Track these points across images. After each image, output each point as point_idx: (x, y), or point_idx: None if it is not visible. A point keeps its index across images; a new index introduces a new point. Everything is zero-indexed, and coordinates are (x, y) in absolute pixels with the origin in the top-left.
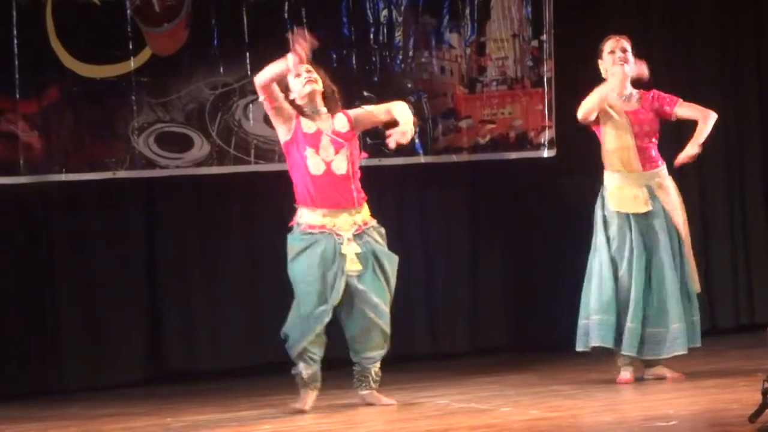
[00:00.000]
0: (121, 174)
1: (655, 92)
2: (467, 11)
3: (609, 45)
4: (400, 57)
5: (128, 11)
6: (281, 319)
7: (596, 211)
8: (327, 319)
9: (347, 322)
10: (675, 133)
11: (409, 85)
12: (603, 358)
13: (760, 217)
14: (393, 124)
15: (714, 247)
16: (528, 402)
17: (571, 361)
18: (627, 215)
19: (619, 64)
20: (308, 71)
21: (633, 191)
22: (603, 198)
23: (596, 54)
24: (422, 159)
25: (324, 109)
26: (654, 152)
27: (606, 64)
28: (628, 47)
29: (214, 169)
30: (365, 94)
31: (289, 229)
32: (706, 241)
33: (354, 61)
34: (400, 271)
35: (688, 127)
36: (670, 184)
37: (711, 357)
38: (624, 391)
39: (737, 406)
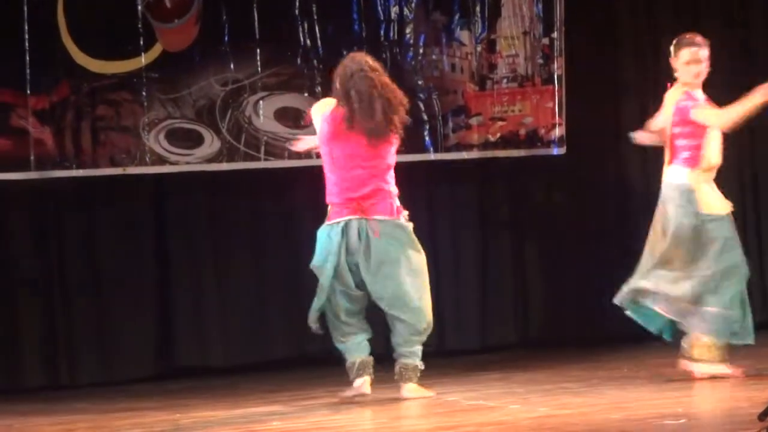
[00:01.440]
0: (132, 170)
1: None
2: (478, 8)
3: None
4: (411, 54)
5: (139, 7)
6: (290, 315)
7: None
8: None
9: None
10: None
11: (420, 82)
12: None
13: None
14: None
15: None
16: (537, 399)
17: (579, 359)
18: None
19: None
20: None
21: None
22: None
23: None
24: (432, 156)
25: None
26: None
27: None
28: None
29: (224, 166)
30: None
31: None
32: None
33: None
34: None
35: None
36: None
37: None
38: (633, 389)
39: (747, 404)
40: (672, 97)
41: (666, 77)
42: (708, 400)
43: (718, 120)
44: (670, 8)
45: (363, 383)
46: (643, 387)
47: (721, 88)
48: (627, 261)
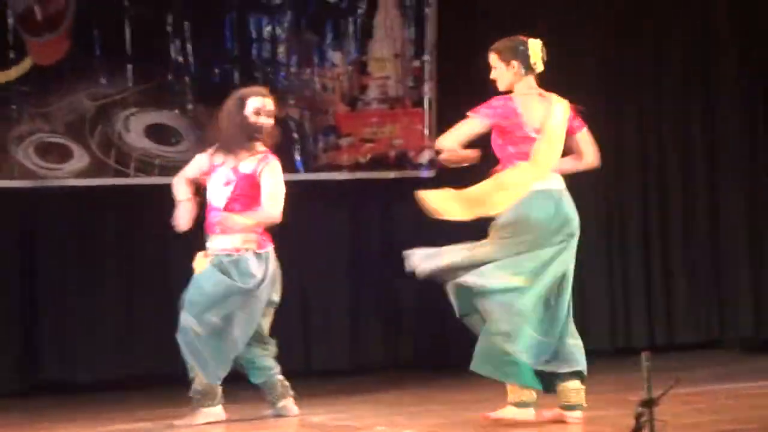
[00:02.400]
0: (0, 183)
1: None
2: (350, 29)
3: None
4: (283, 73)
5: (10, 20)
6: (157, 331)
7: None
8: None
9: None
10: None
11: (291, 102)
12: None
13: (638, 239)
14: None
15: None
16: (403, 421)
17: (444, 381)
18: None
19: None
20: None
21: None
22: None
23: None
24: (302, 176)
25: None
26: None
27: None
28: None
29: (94, 181)
30: None
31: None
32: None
33: (237, 76)
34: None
35: None
36: None
37: (587, 380)
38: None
39: (611, 430)
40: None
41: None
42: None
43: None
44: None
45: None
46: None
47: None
48: None
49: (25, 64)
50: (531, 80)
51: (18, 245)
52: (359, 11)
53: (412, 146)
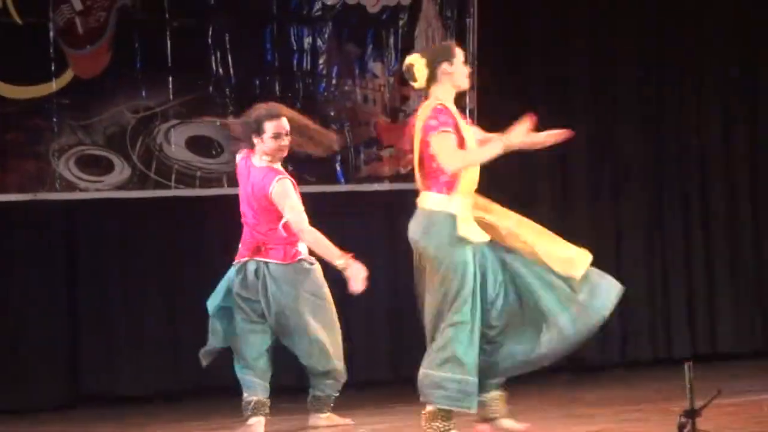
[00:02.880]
0: (42, 196)
1: None
2: (391, 40)
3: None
4: (324, 84)
5: (51, 32)
6: (200, 342)
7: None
8: None
9: None
10: None
11: (332, 113)
12: None
13: (678, 248)
14: None
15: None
16: None
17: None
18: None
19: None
20: None
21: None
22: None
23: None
24: (343, 187)
25: None
26: None
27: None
28: None
29: (135, 193)
30: None
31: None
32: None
33: (277, 88)
34: None
35: None
36: None
37: (628, 390)
38: (541, 423)
39: None
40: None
41: (579, 110)
42: None
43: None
44: (585, 43)
45: (257, 422)
46: (554, 420)
47: None
48: None
49: (67, 77)
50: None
51: (60, 258)
52: (400, 22)
53: None
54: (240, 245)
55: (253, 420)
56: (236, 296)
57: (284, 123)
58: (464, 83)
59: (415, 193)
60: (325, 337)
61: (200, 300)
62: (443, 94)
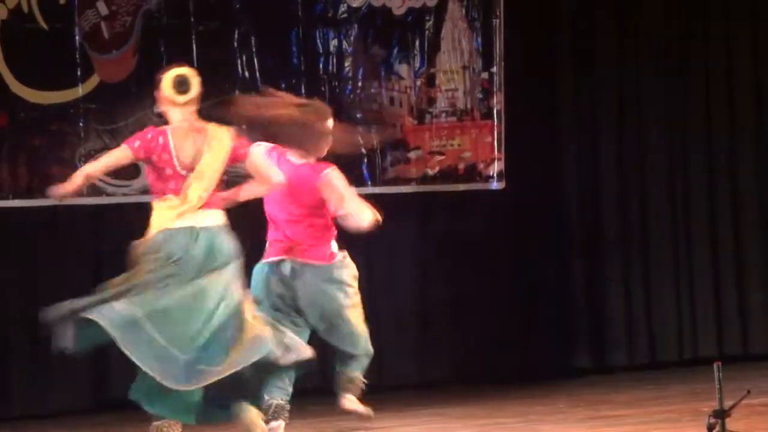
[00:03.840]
0: (68, 201)
1: None
2: (417, 42)
3: None
4: (350, 87)
5: (77, 37)
6: None
7: None
8: None
9: None
10: None
11: (359, 116)
12: None
13: (706, 248)
14: None
15: (659, 280)
16: None
17: (516, 394)
18: None
19: None
20: None
21: None
22: None
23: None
24: (370, 189)
25: None
26: None
27: None
28: None
29: None
30: None
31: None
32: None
33: (303, 91)
34: None
35: None
36: None
37: (657, 391)
38: (569, 425)
39: None
40: None
41: (605, 111)
42: None
43: None
44: (613, 43)
45: (278, 427)
46: (582, 422)
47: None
48: (565, 294)
49: (93, 82)
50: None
51: (86, 262)
52: (426, 24)
53: (481, 158)
54: (268, 245)
55: (273, 424)
56: (276, 297)
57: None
58: None
59: (443, 195)
60: (361, 322)
61: None
62: None
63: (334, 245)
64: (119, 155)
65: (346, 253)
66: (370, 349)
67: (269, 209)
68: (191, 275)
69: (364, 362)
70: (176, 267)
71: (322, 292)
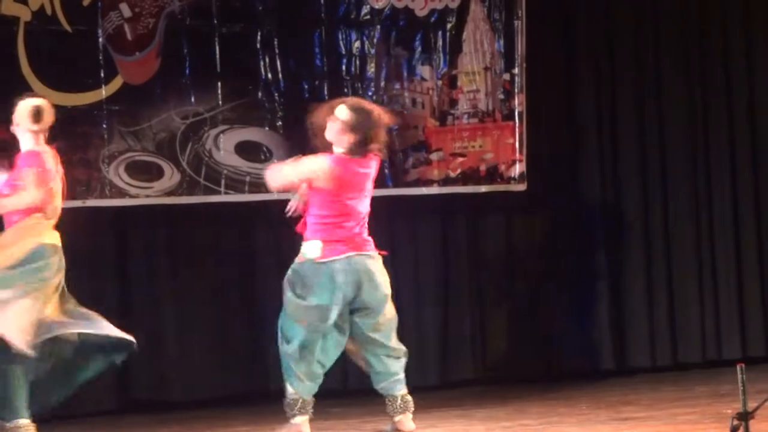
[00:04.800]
0: (92, 202)
1: None
2: (439, 44)
3: None
4: (372, 89)
5: (100, 39)
6: (247, 347)
7: None
8: None
9: None
10: None
11: None
12: None
13: (730, 249)
14: None
15: (682, 281)
16: None
17: (538, 395)
18: None
19: None
20: None
21: None
22: None
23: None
24: (392, 191)
25: None
26: None
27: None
28: None
29: (184, 199)
30: None
31: None
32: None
33: (326, 92)
34: None
35: None
36: None
37: (680, 393)
38: (592, 426)
39: None
40: None
41: (626, 111)
42: None
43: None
44: (631, 46)
45: (303, 422)
46: (605, 424)
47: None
48: (587, 296)
49: (116, 84)
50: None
51: (110, 264)
52: (448, 25)
53: (503, 160)
54: (335, 243)
55: (299, 419)
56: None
57: None
58: None
59: (465, 197)
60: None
61: (248, 305)
62: None
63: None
64: None
65: None
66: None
67: (343, 207)
68: None
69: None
70: None
71: (379, 283)
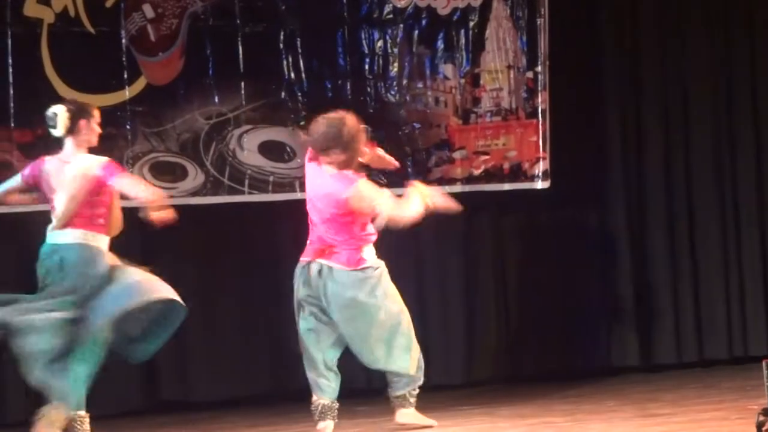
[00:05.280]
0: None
1: None
2: (462, 42)
3: None
4: (395, 88)
5: (123, 40)
6: (273, 348)
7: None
8: None
9: None
10: None
11: (404, 116)
12: None
13: (755, 245)
14: None
15: (708, 277)
16: None
17: (563, 393)
18: None
19: None
20: None
21: None
22: None
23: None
24: None
25: None
26: None
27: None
28: None
29: (208, 199)
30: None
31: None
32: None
33: (349, 91)
34: None
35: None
36: None
37: (705, 389)
38: (618, 423)
39: None
40: None
41: (650, 108)
42: None
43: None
44: (655, 43)
45: (326, 427)
46: (630, 421)
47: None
48: (611, 294)
49: (140, 84)
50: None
51: (134, 264)
52: (471, 23)
53: (526, 158)
54: (308, 246)
55: (321, 425)
56: (303, 298)
57: None
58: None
59: (488, 195)
60: (387, 337)
61: (274, 305)
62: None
63: (366, 253)
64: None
65: (381, 264)
66: (401, 370)
67: (309, 210)
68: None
69: (402, 381)
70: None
71: (342, 296)
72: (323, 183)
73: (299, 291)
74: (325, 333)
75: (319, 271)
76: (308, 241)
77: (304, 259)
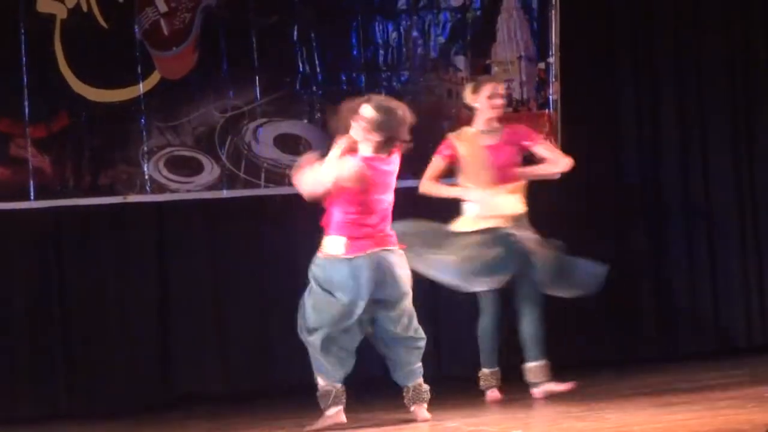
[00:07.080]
0: (132, 198)
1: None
2: (473, 33)
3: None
4: (409, 79)
5: (137, 35)
6: (289, 340)
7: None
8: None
9: None
10: None
11: (417, 107)
12: None
13: None
14: None
15: (725, 266)
16: (538, 424)
17: (579, 381)
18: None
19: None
20: None
21: None
22: None
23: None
24: None
25: None
26: None
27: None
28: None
29: (225, 193)
30: None
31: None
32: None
33: (363, 83)
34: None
35: None
36: None
37: (723, 377)
38: (635, 411)
39: (749, 427)
40: None
41: (663, 99)
42: (710, 423)
43: None
44: (670, 32)
45: (337, 413)
46: (645, 410)
47: None
48: (629, 282)
49: (154, 79)
50: None
51: (151, 259)
52: (482, 14)
53: None
54: (359, 240)
55: (332, 410)
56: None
57: None
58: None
59: None
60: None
61: (290, 298)
62: None
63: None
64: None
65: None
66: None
67: (367, 202)
68: None
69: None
70: None
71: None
72: (386, 168)
73: (368, 285)
74: (359, 324)
75: (386, 261)
76: (358, 236)
77: (371, 250)
